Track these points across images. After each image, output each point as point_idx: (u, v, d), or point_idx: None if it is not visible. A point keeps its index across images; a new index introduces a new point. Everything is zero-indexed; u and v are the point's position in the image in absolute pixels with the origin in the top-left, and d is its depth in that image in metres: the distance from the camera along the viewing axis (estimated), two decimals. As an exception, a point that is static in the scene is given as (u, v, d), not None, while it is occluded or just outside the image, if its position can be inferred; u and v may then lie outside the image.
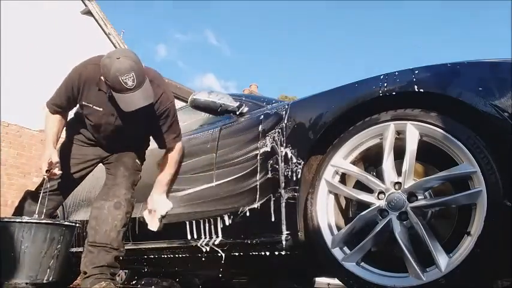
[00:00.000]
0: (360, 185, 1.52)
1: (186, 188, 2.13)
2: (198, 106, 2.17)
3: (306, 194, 1.59)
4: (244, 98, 2.30)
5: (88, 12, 10.49)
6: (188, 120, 2.72)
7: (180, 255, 2.07)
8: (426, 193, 1.35)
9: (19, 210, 2.09)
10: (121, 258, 2.11)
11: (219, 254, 1.86)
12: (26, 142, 7.37)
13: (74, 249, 2.63)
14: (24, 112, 7.74)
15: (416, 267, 1.24)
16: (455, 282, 1.18)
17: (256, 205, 1.73)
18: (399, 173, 1.38)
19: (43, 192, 1.96)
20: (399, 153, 1.39)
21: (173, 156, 2.13)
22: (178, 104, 2.17)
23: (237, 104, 2.14)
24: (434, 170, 1.41)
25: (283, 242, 1.60)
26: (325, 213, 1.52)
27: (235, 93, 2.67)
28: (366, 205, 1.43)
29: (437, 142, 1.32)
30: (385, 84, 1.42)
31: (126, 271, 3.72)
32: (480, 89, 1.22)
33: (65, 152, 2.11)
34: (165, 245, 2.13)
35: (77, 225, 1.91)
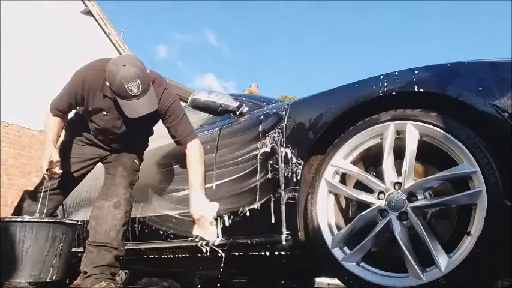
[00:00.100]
0: (360, 185, 1.52)
1: (186, 188, 2.12)
2: (198, 106, 2.17)
3: (306, 194, 1.59)
4: (244, 98, 2.30)
5: (88, 12, 10.49)
6: (188, 120, 2.72)
7: (180, 255, 2.07)
8: (426, 193, 1.35)
9: (18, 211, 2.09)
10: (121, 258, 2.11)
11: (219, 254, 1.86)
12: (26, 142, 7.38)
13: (73, 249, 2.63)
14: (24, 112, 7.74)
15: (416, 267, 1.24)
16: (455, 282, 1.18)
17: (256, 205, 1.73)
18: (399, 173, 1.38)
19: (43, 192, 1.96)
20: (399, 153, 1.39)
21: (195, 154, 2.01)
22: (178, 104, 2.16)
23: (237, 104, 2.14)
24: (434, 170, 1.41)
25: (283, 242, 1.60)
26: (325, 213, 1.52)
27: (235, 93, 2.67)
28: (366, 205, 1.43)
29: (437, 142, 1.32)
30: (385, 84, 1.42)
31: (126, 271, 3.72)
32: (480, 89, 1.22)
33: (64, 151, 2.11)
34: (165, 245, 2.13)
35: (79, 223, 1.91)
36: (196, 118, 2.63)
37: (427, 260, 1.25)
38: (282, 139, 1.71)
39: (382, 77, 1.46)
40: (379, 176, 1.44)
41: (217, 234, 1.87)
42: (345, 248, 1.44)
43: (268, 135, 1.78)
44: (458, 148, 1.26)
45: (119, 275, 3.60)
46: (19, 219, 1.74)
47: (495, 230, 1.15)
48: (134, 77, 1.75)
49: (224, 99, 2.14)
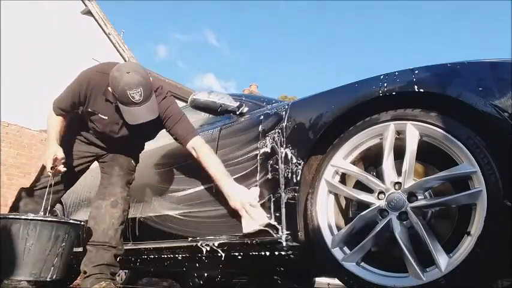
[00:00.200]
0: (360, 185, 1.52)
1: (186, 188, 2.13)
2: (198, 106, 2.17)
3: (306, 194, 1.59)
4: (244, 98, 2.30)
5: (88, 12, 10.50)
6: (188, 120, 2.72)
7: (180, 255, 2.07)
8: (426, 193, 1.35)
9: (14, 210, 2.09)
10: (120, 257, 2.12)
11: (219, 254, 1.86)
12: (26, 142, 7.37)
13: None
14: (24, 112, 7.75)
15: (416, 267, 1.24)
16: (455, 282, 1.18)
17: (256, 205, 1.73)
18: (399, 173, 1.38)
19: (48, 188, 1.96)
20: (399, 153, 1.39)
21: (204, 150, 1.93)
22: (179, 104, 2.16)
23: (237, 104, 2.14)
24: (434, 170, 1.41)
25: (283, 242, 1.60)
26: (325, 213, 1.52)
27: (235, 93, 2.67)
28: (366, 205, 1.43)
29: (437, 142, 1.32)
30: (385, 84, 1.42)
31: (126, 271, 3.72)
32: (480, 89, 1.22)
33: (62, 148, 2.11)
34: (165, 245, 2.13)
35: (82, 223, 1.91)
36: (196, 118, 2.63)
37: (427, 260, 1.25)
38: (282, 139, 1.71)
39: (382, 77, 1.46)
40: (379, 176, 1.43)
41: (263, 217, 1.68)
42: (345, 248, 1.44)
43: (268, 135, 1.78)
44: (458, 148, 1.26)
45: (118, 275, 3.60)
46: (23, 217, 1.74)
47: (495, 230, 1.14)
48: (137, 84, 1.77)
49: (224, 99, 2.14)
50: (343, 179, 1.58)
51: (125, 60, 11.06)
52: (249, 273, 2.86)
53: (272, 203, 1.67)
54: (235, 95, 2.35)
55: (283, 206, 1.62)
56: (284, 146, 1.69)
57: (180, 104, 2.35)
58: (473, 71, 1.30)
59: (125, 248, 2.30)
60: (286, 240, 1.59)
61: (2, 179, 6.92)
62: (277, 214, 1.64)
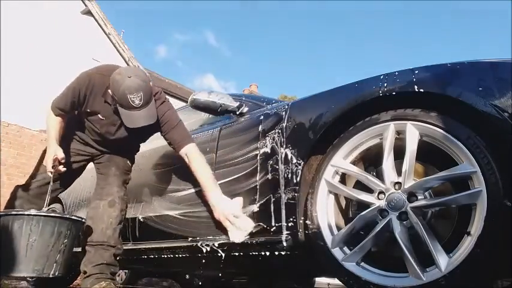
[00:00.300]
0: (360, 185, 1.52)
1: (186, 188, 2.13)
2: (198, 106, 2.17)
3: (306, 194, 1.59)
4: (244, 98, 2.30)
5: (88, 12, 10.50)
6: (188, 120, 2.72)
7: (180, 255, 2.07)
8: (426, 193, 1.35)
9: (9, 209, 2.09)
10: (119, 257, 2.11)
11: (219, 254, 1.86)
12: (26, 142, 7.37)
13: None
14: (24, 112, 7.75)
15: (416, 267, 1.24)
16: (455, 282, 1.18)
17: (256, 205, 1.73)
18: (399, 173, 1.38)
19: (48, 187, 1.96)
20: (399, 153, 1.39)
21: (197, 157, 1.97)
22: (179, 104, 2.17)
23: (237, 104, 2.14)
24: (434, 170, 1.41)
25: (283, 242, 1.60)
26: (325, 213, 1.52)
27: (235, 93, 2.67)
28: (366, 205, 1.43)
29: (437, 142, 1.32)
30: (385, 84, 1.42)
31: (126, 271, 3.72)
32: (480, 89, 1.22)
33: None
34: (165, 245, 2.13)
35: (83, 220, 1.92)
36: (196, 118, 2.63)
37: (427, 260, 1.25)
38: (282, 139, 1.71)
39: (382, 77, 1.46)
40: (379, 176, 1.44)
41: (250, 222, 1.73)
42: (345, 248, 1.44)
43: (268, 135, 1.78)
44: (458, 148, 1.26)
45: (118, 275, 3.61)
46: (26, 213, 1.75)
47: (495, 230, 1.14)
48: (138, 89, 1.79)
49: (224, 99, 2.14)
50: (343, 179, 1.58)
51: (125, 60, 11.07)
52: (249, 273, 2.86)
53: (272, 203, 1.66)
54: (235, 95, 2.35)
55: (283, 206, 1.62)
56: (284, 146, 1.69)
57: (180, 104, 2.35)
58: (473, 71, 1.30)
59: (125, 248, 2.30)
60: (286, 240, 1.59)
61: (2, 179, 6.92)
62: (277, 214, 1.64)
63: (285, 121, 1.74)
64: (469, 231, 1.21)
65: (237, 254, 1.81)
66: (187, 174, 2.16)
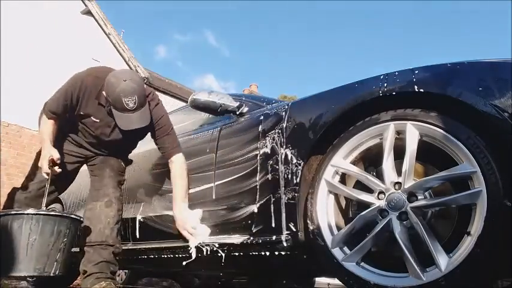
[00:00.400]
0: (360, 185, 1.52)
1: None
2: (198, 106, 2.17)
3: (306, 194, 1.59)
4: (244, 98, 2.30)
5: (88, 12, 10.49)
6: (188, 120, 2.73)
7: (180, 255, 2.07)
8: (426, 193, 1.35)
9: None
10: (118, 256, 2.12)
11: (219, 254, 1.86)
12: (26, 142, 7.38)
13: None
14: (24, 112, 7.74)
15: (416, 267, 1.24)
16: (455, 282, 1.18)
17: (256, 205, 1.73)
18: (399, 173, 1.38)
19: (46, 188, 1.97)
20: (399, 153, 1.39)
21: (181, 168, 2.07)
22: (179, 104, 2.18)
23: (237, 104, 2.14)
24: (434, 170, 1.41)
25: (283, 242, 1.60)
26: (325, 213, 1.52)
27: (235, 93, 2.67)
28: (366, 205, 1.43)
29: (437, 142, 1.32)
30: (385, 84, 1.42)
31: (126, 271, 3.72)
32: (480, 89, 1.22)
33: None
34: (165, 245, 2.13)
35: (81, 219, 1.94)
36: (196, 118, 2.63)
37: (427, 260, 1.25)
38: (282, 139, 1.71)
39: (382, 77, 1.46)
40: (379, 176, 1.43)
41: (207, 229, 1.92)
42: (345, 248, 1.44)
43: (268, 136, 1.78)
44: (458, 148, 1.26)
45: (118, 275, 3.61)
46: (26, 212, 1.76)
47: (495, 230, 1.14)
48: (132, 92, 1.82)
49: (224, 99, 2.14)
50: (343, 179, 1.58)
51: (125, 60, 11.06)
52: (249, 273, 2.86)
53: (272, 203, 1.67)
54: (235, 95, 2.35)
55: (283, 206, 1.62)
56: (284, 146, 1.69)
57: (180, 104, 2.35)
58: (473, 71, 1.30)
59: (125, 248, 2.30)
60: (286, 240, 1.59)
61: (2, 179, 6.93)
62: (277, 214, 1.64)
63: (285, 121, 1.74)
64: (469, 231, 1.21)
65: (237, 254, 1.81)
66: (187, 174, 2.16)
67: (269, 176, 1.71)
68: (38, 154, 2.12)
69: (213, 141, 2.08)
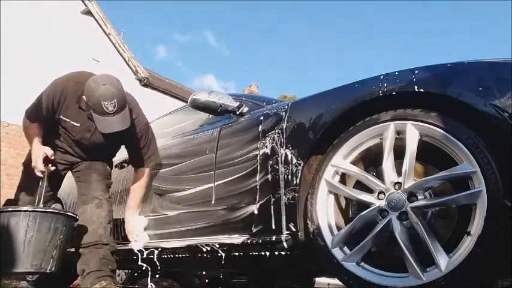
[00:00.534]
0: (360, 185, 1.52)
1: (186, 188, 2.13)
2: (198, 106, 2.17)
3: (306, 194, 1.59)
4: (244, 98, 2.30)
5: (88, 12, 10.49)
6: (188, 120, 2.73)
7: (180, 255, 2.07)
8: (426, 193, 1.35)
9: None
10: (115, 254, 2.12)
11: (219, 254, 1.86)
12: (26, 142, 7.36)
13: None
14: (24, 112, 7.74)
15: (416, 267, 1.24)
16: (455, 282, 1.18)
17: (256, 205, 1.73)
18: (399, 173, 1.38)
19: (43, 188, 1.98)
20: (399, 153, 1.39)
21: (145, 180, 2.21)
22: (179, 104, 2.18)
23: (237, 104, 2.14)
24: (434, 170, 1.41)
25: (283, 242, 1.60)
26: (325, 213, 1.52)
27: (235, 93, 2.67)
28: (366, 205, 1.43)
29: (437, 142, 1.32)
30: (385, 84, 1.42)
31: (126, 271, 3.72)
32: (480, 89, 1.22)
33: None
34: (165, 245, 2.13)
35: (77, 216, 1.97)
36: (196, 118, 2.63)
37: (427, 260, 1.25)
38: (282, 139, 1.71)
39: (382, 77, 1.46)
40: (379, 176, 1.44)
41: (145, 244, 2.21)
42: (345, 248, 1.44)
43: (268, 136, 1.78)
44: (458, 148, 1.26)
45: (118, 275, 3.60)
46: (23, 209, 1.78)
47: (495, 230, 1.15)
48: (112, 96, 1.85)
49: (224, 99, 2.14)
50: (343, 179, 1.58)
51: (125, 60, 11.07)
52: (249, 273, 2.86)
53: (272, 203, 1.67)
54: (235, 95, 2.35)
55: (283, 206, 1.62)
56: (284, 146, 1.69)
57: (180, 104, 2.36)
58: (473, 71, 1.30)
59: (125, 248, 2.30)
60: (286, 241, 1.59)
61: (2, 179, 6.93)
62: (277, 214, 1.64)
63: (285, 121, 1.74)
64: (469, 231, 1.21)
65: (237, 254, 1.81)
66: (187, 174, 2.16)
67: (269, 176, 1.71)
68: (25, 164, 2.18)
69: (213, 141, 2.08)
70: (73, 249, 2.13)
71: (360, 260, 1.39)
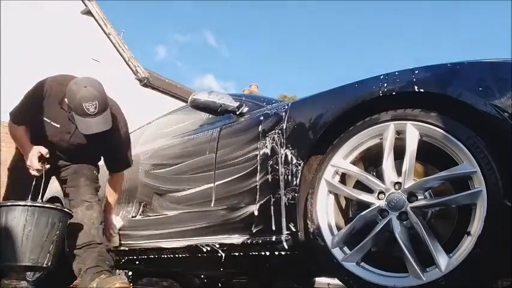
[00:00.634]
0: (360, 185, 1.52)
1: (186, 188, 2.13)
2: (198, 106, 2.17)
3: (306, 194, 1.59)
4: (244, 98, 2.30)
5: (88, 12, 10.50)
6: (188, 120, 2.73)
7: (180, 255, 2.07)
8: (426, 193, 1.35)
9: None
10: (111, 252, 2.12)
11: (219, 254, 1.86)
12: (26, 142, 7.37)
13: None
14: (24, 112, 7.73)
15: (416, 267, 1.24)
16: (455, 282, 1.18)
17: (256, 205, 1.73)
18: (399, 173, 1.38)
19: (42, 188, 1.98)
20: (399, 153, 1.39)
21: (120, 180, 2.35)
22: (179, 104, 2.18)
23: (237, 104, 2.14)
24: (434, 170, 1.41)
25: (283, 242, 1.60)
26: (325, 213, 1.52)
27: (235, 93, 2.67)
28: (366, 205, 1.43)
29: (437, 142, 1.32)
30: (385, 84, 1.42)
31: (126, 271, 3.72)
32: (480, 89, 1.22)
33: (18, 161, 2.16)
34: (165, 245, 2.13)
35: (72, 213, 1.98)
36: (196, 118, 2.63)
37: (427, 260, 1.25)
38: (282, 139, 1.71)
39: (382, 77, 1.46)
40: (379, 176, 1.44)
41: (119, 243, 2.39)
42: (345, 248, 1.44)
43: (268, 136, 1.78)
44: (458, 148, 1.26)
45: (119, 275, 3.60)
46: (22, 203, 1.80)
47: (495, 230, 1.15)
48: (93, 98, 1.88)
49: (224, 99, 2.14)
50: (343, 179, 1.58)
51: (125, 60, 11.07)
52: (249, 273, 2.86)
53: (272, 203, 1.67)
54: (235, 95, 2.34)
55: (283, 206, 1.62)
56: (284, 146, 1.69)
57: (180, 104, 2.36)
58: (473, 71, 1.30)
59: (125, 248, 2.31)
60: (286, 241, 1.59)
61: (2, 179, 6.92)
62: (277, 214, 1.64)
63: (285, 121, 1.74)
64: (469, 231, 1.21)
65: (237, 254, 1.81)
66: (187, 174, 2.16)
67: (269, 176, 1.71)
68: (12, 168, 2.24)
69: (213, 142, 2.08)
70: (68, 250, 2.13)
71: (360, 260, 1.39)
